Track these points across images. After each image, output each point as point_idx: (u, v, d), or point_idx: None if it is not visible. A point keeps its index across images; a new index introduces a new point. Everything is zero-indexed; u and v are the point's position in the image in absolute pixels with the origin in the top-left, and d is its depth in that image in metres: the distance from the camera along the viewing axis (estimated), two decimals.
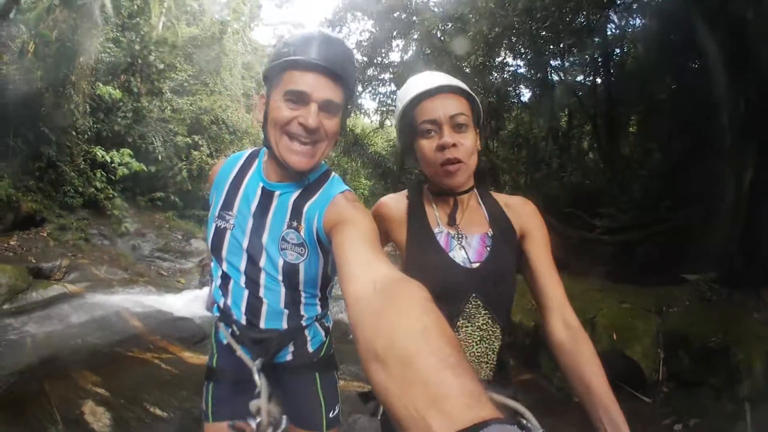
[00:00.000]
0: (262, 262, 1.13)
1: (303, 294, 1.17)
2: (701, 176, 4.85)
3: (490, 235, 1.13)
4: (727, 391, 3.00)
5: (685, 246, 4.77)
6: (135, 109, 9.36)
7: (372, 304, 0.59)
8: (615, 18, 7.13)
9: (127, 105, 9.16)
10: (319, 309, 1.23)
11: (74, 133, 7.69)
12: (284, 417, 1.16)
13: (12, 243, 6.01)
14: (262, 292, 1.14)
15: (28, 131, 6.65)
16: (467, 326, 1.09)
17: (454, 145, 1.06)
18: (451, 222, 1.14)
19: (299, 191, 1.12)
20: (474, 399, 0.40)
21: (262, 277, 1.13)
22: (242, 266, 1.15)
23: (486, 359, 1.11)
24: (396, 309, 0.55)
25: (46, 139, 6.96)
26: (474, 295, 1.08)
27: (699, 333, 3.45)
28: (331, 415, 1.24)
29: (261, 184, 1.15)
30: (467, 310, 1.09)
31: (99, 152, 7.87)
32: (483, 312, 1.09)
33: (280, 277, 1.13)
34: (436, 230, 1.13)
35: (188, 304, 5.74)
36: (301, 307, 1.18)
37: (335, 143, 1.12)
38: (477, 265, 1.09)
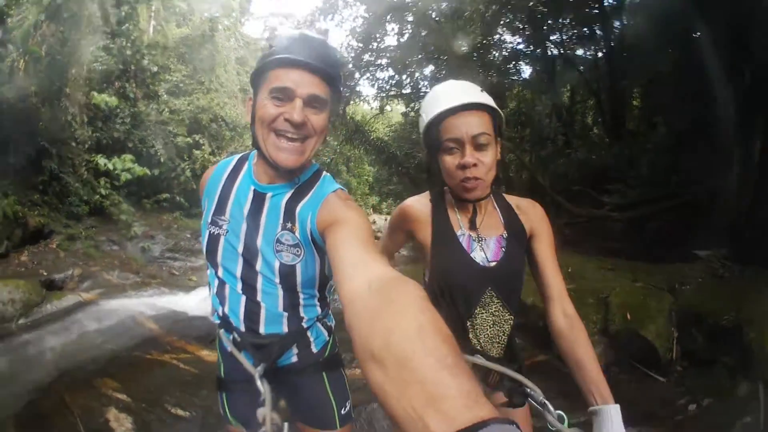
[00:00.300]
0: (259, 266, 1.12)
1: (301, 295, 1.17)
2: (708, 150, 4.77)
3: (504, 237, 1.27)
4: (741, 370, 2.99)
5: (695, 221, 4.72)
6: (133, 114, 9.29)
7: (368, 304, 0.59)
8: None
9: (125, 111, 9.09)
10: (319, 309, 1.23)
11: (74, 144, 7.67)
12: (286, 424, 1.16)
13: (23, 259, 6.02)
14: (259, 297, 1.14)
15: (27, 147, 6.62)
16: (482, 313, 1.25)
17: (474, 164, 1.15)
18: (472, 227, 1.26)
19: (291, 192, 1.12)
20: (472, 399, 0.40)
21: (259, 280, 1.13)
22: (238, 271, 1.15)
23: (498, 340, 1.28)
24: (392, 308, 0.55)
25: (46, 153, 6.96)
26: (490, 288, 1.24)
27: (712, 311, 3.42)
28: (342, 411, 1.27)
29: (252, 187, 1.15)
30: (483, 300, 1.24)
31: (101, 161, 7.87)
32: (496, 300, 1.25)
33: (277, 280, 1.12)
34: (458, 233, 1.26)
35: (201, 302, 5.78)
36: (301, 309, 1.19)
37: (324, 140, 1.12)
38: (494, 264, 1.24)
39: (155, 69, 9.76)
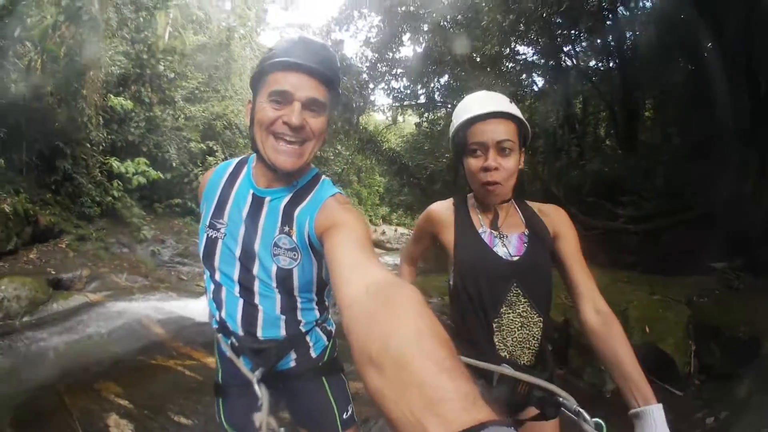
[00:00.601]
0: (256, 269, 1.12)
1: (299, 299, 1.16)
2: (723, 161, 4.69)
3: (526, 234, 1.28)
4: (758, 382, 2.94)
5: (710, 233, 4.63)
6: (147, 118, 9.43)
7: (365, 309, 0.59)
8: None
9: (140, 115, 9.24)
10: (317, 314, 1.22)
11: (89, 145, 7.75)
12: (282, 429, 1.15)
13: (31, 256, 6.03)
14: (257, 300, 1.14)
15: (42, 146, 6.72)
16: (509, 313, 1.22)
17: (496, 168, 1.19)
18: (494, 227, 1.28)
19: (290, 196, 1.12)
20: (470, 402, 0.40)
21: (256, 284, 1.13)
22: (235, 275, 1.14)
23: (528, 345, 1.23)
24: (389, 312, 0.55)
25: (61, 153, 7.04)
26: (515, 284, 1.22)
27: (728, 323, 3.40)
28: (344, 416, 1.26)
29: (251, 191, 1.15)
30: (509, 298, 1.22)
31: (114, 163, 7.96)
32: (523, 300, 1.22)
33: (274, 284, 1.12)
34: (480, 230, 1.28)
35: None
36: (298, 313, 1.18)
37: (323, 143, 1.12)
38: (517, 258, 1.24)
39: (172, 75, 9.92)
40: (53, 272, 5.78)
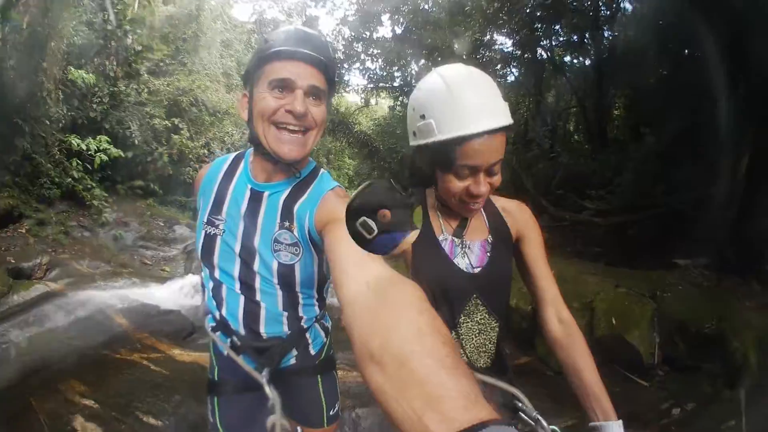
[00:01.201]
0: (256, 266, 1.11)
1: (300, 295, 1.16)
2: (694, 161, 4.83)
3: (489, 241, 1.20)
4: (722, 376, 3.10)
5: (676, 230, 4.80)
6: (111, 93, 8.87)
7: (366, 305, 0.59)
8: None
9: (103, 90, 8.68)
10: (317, 310, 1.22)
11: (48, 122, 7.19)
12: (298, 428, 1.18)
13: None
14: (258, 296, 1.13)
15: (1, 124, 6.19)
16: (467, 321, 1.17)
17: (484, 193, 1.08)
18: (458, 235, 1.19)
19: (289, 190, 1.11)
20: (471, 400, 0.40)
21: (257, 281, 1.11)
22: (236, 272, 1.13)
23: (485, 349, 1.20)
24: (390, 309, 0.55)
25: (19, 131, 6.49)
26: (475, 296, 1.17)
27: (693, 319, 3.53)
28: (331, 413, 1.29)
29: (249, 186, 1.14)
30: (467, 308, 1.17)
31: (74, 141, 7.46)
32: (481, 308, 1.18)
33: (276, 280, 1.11)
34: (440, 238, 1.18)
35: (174, 294, 5.59)
36: (300, 309, 1.17)
37: (323, 132, 1.11)
38: (478, 270, 1.17)
39: (139, 48, 9.31)
40: (13, 261, 5.43)
